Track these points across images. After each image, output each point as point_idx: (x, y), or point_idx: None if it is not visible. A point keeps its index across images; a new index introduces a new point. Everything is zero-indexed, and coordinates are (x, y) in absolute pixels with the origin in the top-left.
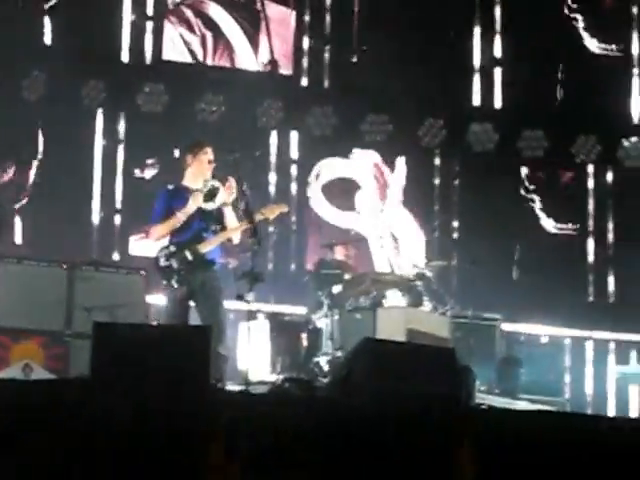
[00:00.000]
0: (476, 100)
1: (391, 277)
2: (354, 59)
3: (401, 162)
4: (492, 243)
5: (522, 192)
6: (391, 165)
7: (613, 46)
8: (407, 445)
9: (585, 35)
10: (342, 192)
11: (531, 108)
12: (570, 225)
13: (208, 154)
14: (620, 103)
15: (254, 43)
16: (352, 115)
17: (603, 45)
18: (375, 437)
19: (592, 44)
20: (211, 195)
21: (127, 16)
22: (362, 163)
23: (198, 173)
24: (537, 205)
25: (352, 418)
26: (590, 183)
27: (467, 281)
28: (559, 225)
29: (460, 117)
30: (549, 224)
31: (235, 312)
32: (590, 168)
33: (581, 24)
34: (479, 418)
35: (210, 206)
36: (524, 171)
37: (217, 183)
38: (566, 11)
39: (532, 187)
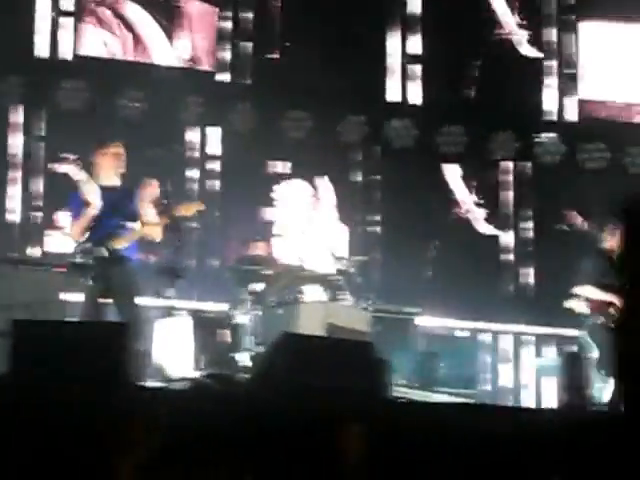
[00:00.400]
0: (396, 96)
1: (312, 272)
2: (275, 55)
3: (333, 169)
4: (413, 238)
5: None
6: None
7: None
8: (324, 440)
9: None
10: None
11: (450, 104)
12: (485, 220)
13: (115, 151)
14: (538, 100)
15: (174, 40)
16: (273, 111)
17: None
18: (294, 432)
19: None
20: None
21: (46, 12)
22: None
23: (108, 170)
24: (460, 209)
25: (272, 413)
26: (509, 179)
27: (387, 276)
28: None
29: (380, 113)
30: (463, 222)
31: (156, 309)
32: (509, 164)
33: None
34: (397, 411)
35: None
36: (447, 174)
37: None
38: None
39: (454, 190)
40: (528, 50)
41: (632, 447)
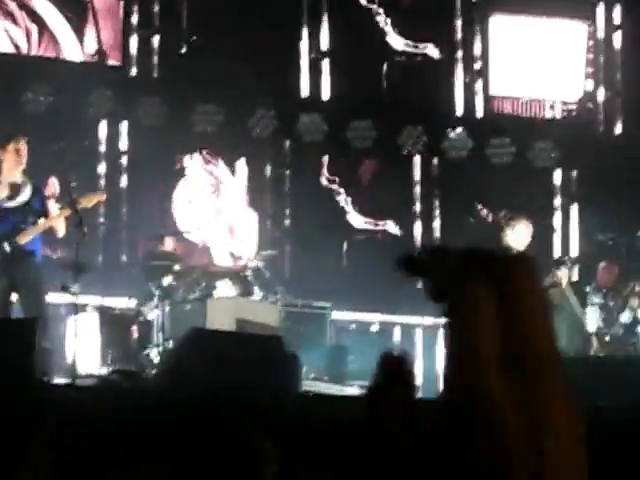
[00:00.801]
0: (305, 91)
1: (221, 268)
2: (183, 49)
3: (243, 164)
4: (323, 232)
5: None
6: (227, 160)
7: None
8: (234, 436)
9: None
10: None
11: (359, 99)
12: (393, 214)
13: (16, 147)
14: (445, 95)
15: (80, 34)
16: (182, 106)
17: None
18: (203, 428)
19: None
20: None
21: None
22: (193, 161)
23: (10, 166)
24: (356, 196)
25: (180, 409)
26: (417, 173)
27: (298, 270)
28: (379, 215)
29: (290, 108)
30: (371, 216)
31: (63, 305)
32: (416, 159)
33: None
34: (307, 405)
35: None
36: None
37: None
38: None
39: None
40: (436, 46)
41: None
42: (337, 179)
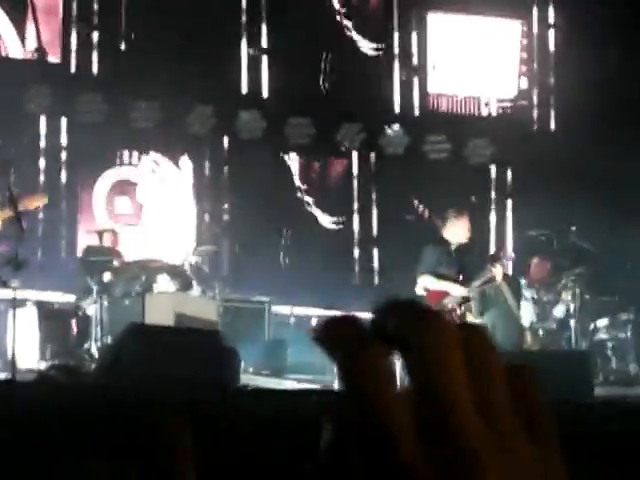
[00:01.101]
0: (244, 88)
1: (160, 263)
2: (123, 46)
3: (185, 160)
4: (261, 228)
5: (294, 182)
6: (169, 156)
7: (376, 44)
8: (171, 430)
9: (352, 32)
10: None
11: (297, 96)
12: (331, 210)
13: None
14: (383, 92)
15: (20, 31)
16: (122, 102)
17: (368, 42)
18: (141, 423)
19: (358, 40)
20: None
21: None
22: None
23: None
24: (308, 198)
25: (119, 404)
26: (355, 169)
27: (236, 265)
28: (330, 218)
29: (229, 104)
30: (309, 212)
31: (2, 300)
32: (354, 155)
33: (345, 20)
34: (244, 398)
35: None
36: (294, 165)
37: None
38: (336, 5)
39: (302, 180)
40: (375, 44)
41: None
42: (278, 174)
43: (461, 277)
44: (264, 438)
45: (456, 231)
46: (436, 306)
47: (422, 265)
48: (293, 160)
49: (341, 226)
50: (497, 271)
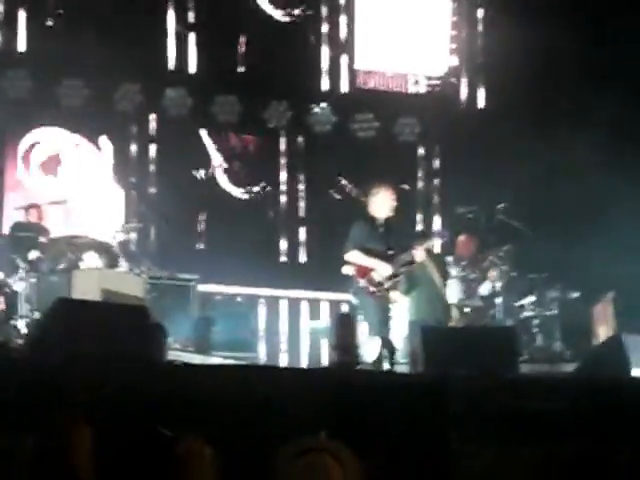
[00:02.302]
0: (171, 65)
1: (87, 240)
2: (49, 23)
3: (104, 140)
4: (187, 206)
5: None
6: (93, 134)
7: (297, 11)
8: (101, 404)
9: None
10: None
11: (225, 74)
12: (258, 189)
13: None
14: (310, 70)
15: None
16: (48, 79)
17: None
18: (69, 397)
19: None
20: None
21: None
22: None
23: None
24: (221, 170)
25: (47, 379)
26: (282, 147)
27: (163, 243)
28: (244, 190)
29: (156, 82)
30: (236, 191)
31: None
32: (282, 133)
33: None
34: (172, 374)
35: None
36: (207, 138)
37: None
38: None
39: (225, 158)
40: (302, 20)
41: (398, 403)
42: (205, 152)
43: (390, 252)
44: (191, 411)
45: (380, 205)
46: (364, 280)
47: (349, 241)
48: (218, 137)
49: (257, 193)
50: (418, 253)
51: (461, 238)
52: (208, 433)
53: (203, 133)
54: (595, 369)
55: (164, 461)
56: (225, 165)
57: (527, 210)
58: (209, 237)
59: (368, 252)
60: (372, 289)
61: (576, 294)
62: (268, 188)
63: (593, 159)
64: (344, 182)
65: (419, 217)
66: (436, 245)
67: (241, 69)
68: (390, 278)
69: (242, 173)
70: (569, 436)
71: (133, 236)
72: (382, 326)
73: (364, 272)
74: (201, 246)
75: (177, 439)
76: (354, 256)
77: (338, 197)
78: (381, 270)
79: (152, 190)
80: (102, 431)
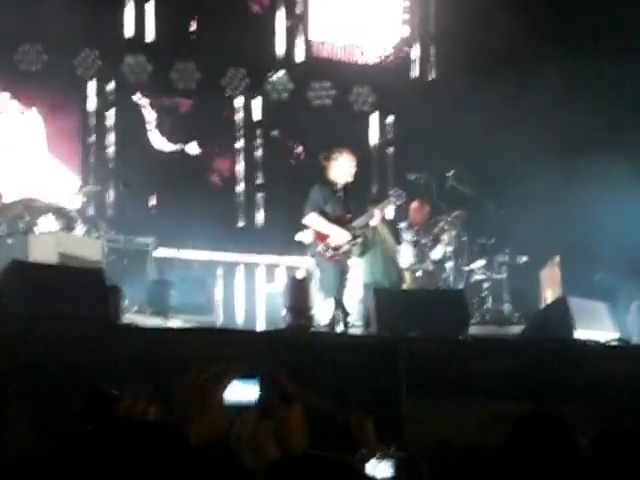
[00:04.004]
0: (130, 32)
1: (44, 203)
2: None
3: (37, 102)
4: (149, 170)
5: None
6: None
7: None
8: (57, 365)
9: None
10: None
11: (183, 41)
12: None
13: None
14: (267, 39)
15: None
16: (6, 45)
17: None
18: (27, 359)
19: None
20: None
21: None
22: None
23: None
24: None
25: (3, 341)
26: (239, 114)
27: (121, 207)
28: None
29: (115, 48)
30: (191, 155)
31: None
32: (239, 100)
33: None
34: (128, 335)
35: None
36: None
37: None
38: None
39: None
40: None
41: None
42: (162, 119)
43: (348, 216)
44: (148, 373)
45: (339, 170)
46: (322, 244)
47: (308, 204)
48: (180, 104)
49: (213, 158)
50: (377, 213)
51: (413, 204)
52: (163, 394)
53: (146, 101)
54: (541, 331)
55: (106, 421)
56: (184, 129)
57: (477, 177)
58: (166, 203)
59: (326, 216)
60: (329, 253)
61: (524, 258)
62: (225, 154)
63: (541, 126)
64: (299, 149)
65: (373, 184)
66: (391, 208)
67: (199, 37)
68: (349, 241)
69: (197, 138)
70: (515, 394)
71: (91, 200)
72: (338, 289)
73: (322, 237)
74: (159, 210)
75: (120, 398)
76: (312, 219)
77: (294, 163)
78: (339, 236)
79: (110, 155)
80: (54, 391)
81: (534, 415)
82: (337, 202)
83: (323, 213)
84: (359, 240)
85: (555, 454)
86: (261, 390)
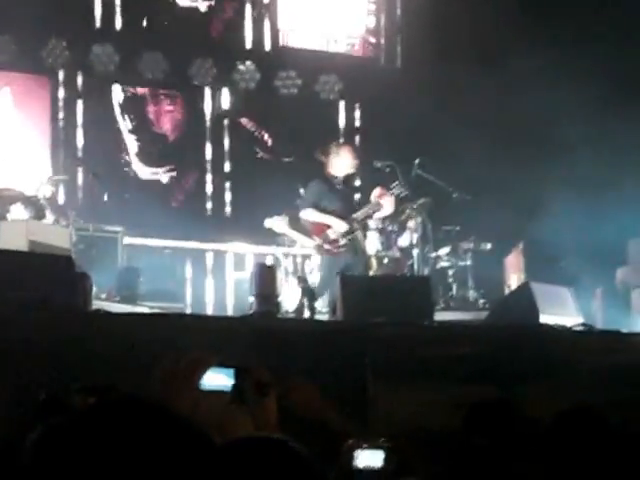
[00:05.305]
0: (98, 21)
1: (13, 192)
2: None
3: (5, 91)
4: (117, 159)
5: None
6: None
7: None
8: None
9: None
10: None
11: (151, 30)
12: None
13: None
14: (235, 28)
15: None
16: None
17: None
18: None
19: None
20: None
21: None
22: None
23: None
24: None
25: None
26: (207, 104)
27: (90, 195)
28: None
29: (83, 38)
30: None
31: None
32: (207, 90)
33: None
34: (95, 322)
35: None
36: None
37: None
38: None
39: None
40: None
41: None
42: (128, 107)
43: (348, 209)
44: (118, 358)
45: (340, 164)
46: (319, 238)
47: (305, 199)
48: (147, 96)
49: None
50: (387, 202)
51: (376, 191)
52: (132, 382)
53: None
54: (506, 316)
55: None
56: (153, 119)
57: (442, 164)
58: (135, 190)
59: (323, 211)
60: (327, 247)
61: (489, 245)
62: (192, 144)
63: (508, 112)
64: (266, 138)
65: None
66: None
67: (166, 26)
68: (346, 234)
69: (165, 128)
70: (480, 379)
71: (60, 188)
72: (331, 282)
73: (320, 230)
74: (127, 199)
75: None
76: (308, 214)
77: (262, 153)
78: (336, 227)
79: (79, 144)
80: (21, 378)
81: (487, 402)
82: (335, 197)
83: (319, 209)
84: (358, 233)
85: (507, 437)
86: (236, 379)
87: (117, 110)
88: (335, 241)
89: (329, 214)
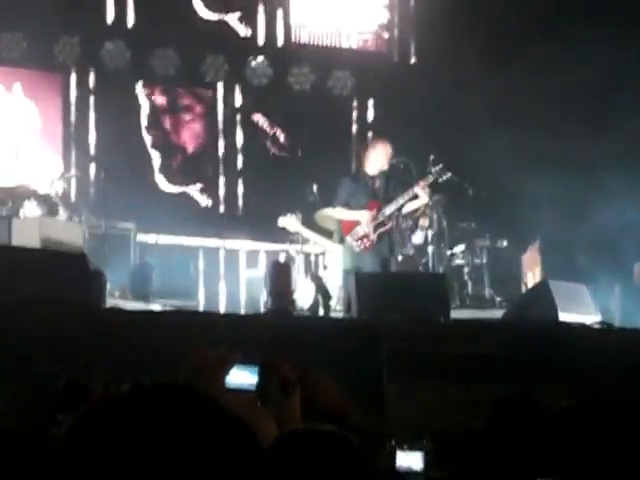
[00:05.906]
0: (110, 17)
1: (27, 189)
2: None
3: (17, 87)
4: (130, 155)
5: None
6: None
7: None
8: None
9: None
10: None
11: (163, 27)
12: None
13: None
14: (246, 24)
15: None
16: None
17: None
18: (10, 344)
19: None
20: None
21: None
22: None
23: None
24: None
25: None
26: (219, 100)
27: (103, 192)
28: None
29: (94, 35)
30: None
31: None
32: (219, 87)
33: None
34: (111, 319)
35: None
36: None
37: None
38: None
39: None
40: None
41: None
42: (143, 102)
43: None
44: (129, 356)
45: (376, 160)
46: (349, 237)
47: (335, 198)
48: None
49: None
50: (421, 190)
51: None
52: (149, 379)
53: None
54: (523, 314)
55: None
56: (159, 116)
57: (457, 161)
58: (148, 187)
59: (351, 208)
60: (356, 244)
61: (505, 243)
62: (206, 141)
63: (523, 111)
64: (280, 135)
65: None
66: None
67: (179, 23)
68: (377, 227)
69: (180, 126)
70: (496, 378)
71: (73, 185)
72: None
73: (349, 228)
74: (140, 196)
75: (90, 388)
76: (337, 212)
77: (274, 150)
78: (362, 218)
79: (92, 140)
80: (36, 376)
81: (511, 398)
82: (366, 193)
83: (348, 207)
84: (388, 225)
85: (532, 436)
86: (260, 377)
87: (144, 124)
88: (365, 236)
89: (357, 209)
